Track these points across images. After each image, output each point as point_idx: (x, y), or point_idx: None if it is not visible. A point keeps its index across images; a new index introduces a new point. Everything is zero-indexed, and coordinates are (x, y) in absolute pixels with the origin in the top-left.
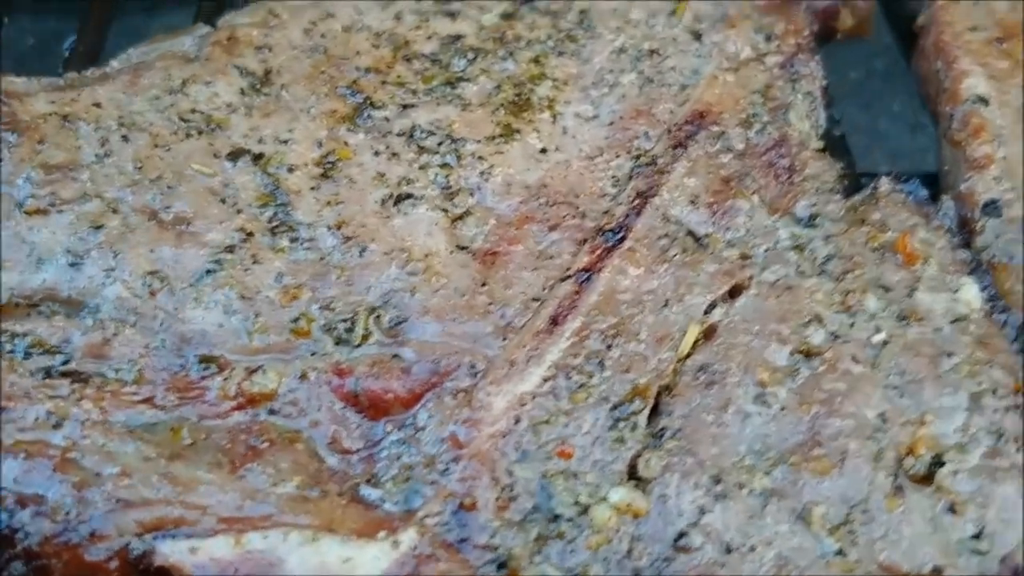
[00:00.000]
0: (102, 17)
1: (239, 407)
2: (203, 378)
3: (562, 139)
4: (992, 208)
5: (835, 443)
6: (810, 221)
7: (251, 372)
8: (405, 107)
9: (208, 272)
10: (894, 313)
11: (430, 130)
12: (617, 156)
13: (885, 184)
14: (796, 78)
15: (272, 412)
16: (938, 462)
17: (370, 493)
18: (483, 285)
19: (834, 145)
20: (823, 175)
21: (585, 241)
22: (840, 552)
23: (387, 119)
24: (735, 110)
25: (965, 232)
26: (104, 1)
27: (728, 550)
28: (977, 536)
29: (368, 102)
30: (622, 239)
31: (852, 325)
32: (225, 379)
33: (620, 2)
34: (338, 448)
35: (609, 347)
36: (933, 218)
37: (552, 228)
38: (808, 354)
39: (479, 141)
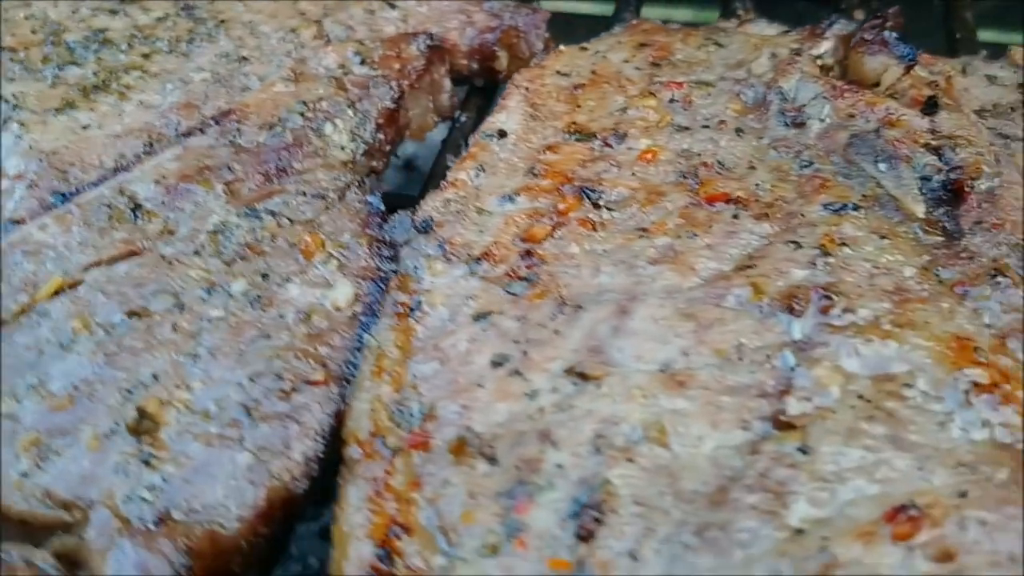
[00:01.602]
0: None
1: None
2: None
3: (112, 119)
4: (424, 224)
5: (81, 389)
6: (257, 214)
7: None
8: (10, 80)
9: None
10: (252, 297)
11: (7, 99)
12: (138, 138)
13: (351, 194)
14: (361, 97)
15: None
16: (150, 417)
17: None
18: None
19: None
20: (320, 182)
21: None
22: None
23: None
24: (269, 114)
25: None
26: None
27: None
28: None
29: None
30: (64, 202)
31: (204, 301)
32: None
33: (255, 16)
34: None
35: None
36: (370, 228)
37: (30, 187)
38: (139, 315)
39: (36, 112)
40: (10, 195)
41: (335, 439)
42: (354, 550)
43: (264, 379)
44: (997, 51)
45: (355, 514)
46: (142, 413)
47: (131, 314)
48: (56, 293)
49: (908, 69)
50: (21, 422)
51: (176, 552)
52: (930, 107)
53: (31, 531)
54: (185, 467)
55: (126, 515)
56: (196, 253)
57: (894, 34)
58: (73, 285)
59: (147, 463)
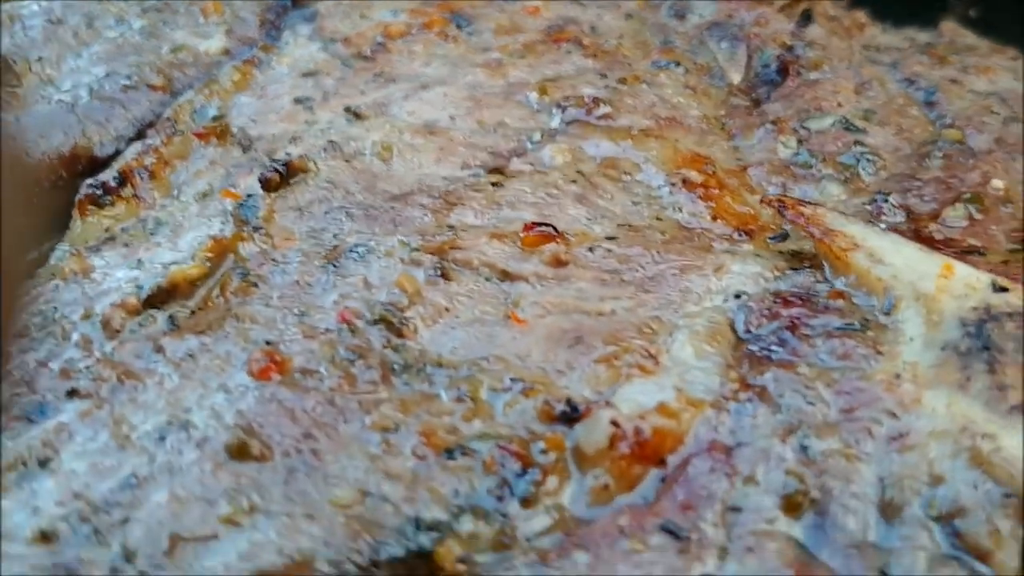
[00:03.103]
0: None
1: None
2: None
3: None
4: (311, 14)
5: None
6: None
7: None
8: None
9: None
10: (146, 32)
11: None
12: None
13: None
14: None
15: None
16: (15, 76)
17: None
18: None
19: None
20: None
21: None
22: None
23: None
24: None
25: None
26: None
27: None
28: None
29: None
30: None
31: (110, 27)
32: None
33: None
34: None
35: None
36: (270, 13)
37: None
38: (52, 23)
39: None
40: None
41: None
42: (100, 175)
43: (117, 76)
44: None
45: (121, 159)
46: (16, 77)
47: (47, 21)
48: None
49: None
50: None
51: None
52: (804, 19)
53: None
54: (20, 111)
55: None
56: (160, 11)
57: None
58: None
59: None
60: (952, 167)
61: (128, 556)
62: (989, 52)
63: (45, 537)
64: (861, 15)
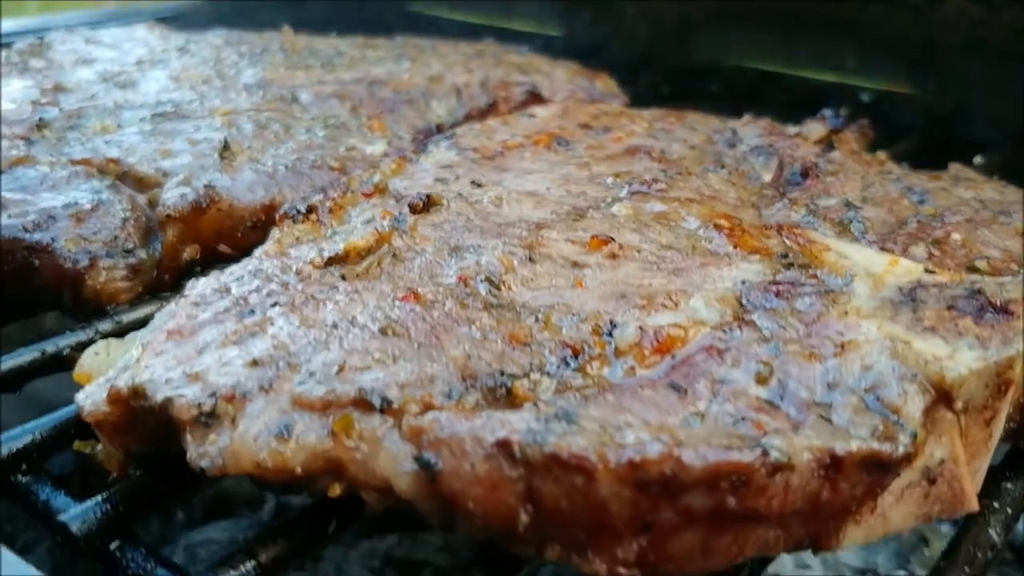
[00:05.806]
0: None
1: None
2: None
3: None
4: (451, 134)
5: None
6: (359, 117)
7: None
8: None
9: None
10: (328, 136)
11: None
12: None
13: (420, 124)
14: (466, 94)
15: None
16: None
17: None
18: None
19: None
20: (411, 122)
21: None
22: None
23: None
24: (407, 84)
25: None
26: None
27: None
28: None
29: None
30: None
31: (300, 133)
32: None
33: (449, 58)
34: None
35: None
36: (420, 132)
37: None
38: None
39: None
40: None
41: None
42: (294, 203)
43: (305, 159)
44: None
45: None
46: (232, 155)
47: (256, 125)
48: None
49: (832, 131)
50: None
51: None
52: (828, 147)
53: None
54: (234, 175)
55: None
56: (339, 127)
57: (834, 114)
58: None
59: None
60: (924, 228)
61: (311, 373)
62: (983, 181)
63: (255, 363)
64: (882, 154)
